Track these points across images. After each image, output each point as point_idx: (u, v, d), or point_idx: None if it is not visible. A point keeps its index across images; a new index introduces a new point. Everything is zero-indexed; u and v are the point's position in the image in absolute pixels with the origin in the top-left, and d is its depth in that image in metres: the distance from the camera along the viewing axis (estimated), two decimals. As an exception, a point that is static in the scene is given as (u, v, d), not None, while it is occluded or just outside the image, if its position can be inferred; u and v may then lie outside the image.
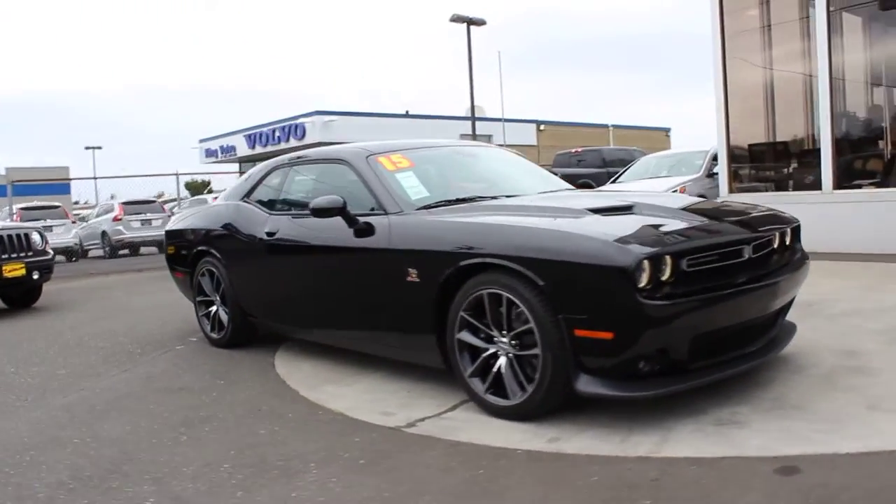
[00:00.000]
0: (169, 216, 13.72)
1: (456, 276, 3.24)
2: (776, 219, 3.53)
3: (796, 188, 8.02)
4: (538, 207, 3.46)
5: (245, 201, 4.90)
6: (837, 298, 5.00)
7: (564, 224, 3.07)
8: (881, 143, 7.53)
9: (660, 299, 2.75)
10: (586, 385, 2.87)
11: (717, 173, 9.61)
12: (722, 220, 3.31)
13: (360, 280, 3.82)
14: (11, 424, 3.63)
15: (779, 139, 8.75)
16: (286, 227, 4.37)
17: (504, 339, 3.14)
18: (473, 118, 23.52)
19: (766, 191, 8.39)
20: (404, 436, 3.08)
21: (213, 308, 5.13)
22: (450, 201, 3.76)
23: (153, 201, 17.80)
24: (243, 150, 34.69)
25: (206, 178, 34.71)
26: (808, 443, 2.64)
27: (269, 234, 4.44)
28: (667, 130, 42.16)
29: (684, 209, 3.46)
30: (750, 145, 8.76)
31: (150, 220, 16.50)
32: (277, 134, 33.60)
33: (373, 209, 3.84)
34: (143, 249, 16.84)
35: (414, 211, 3.67)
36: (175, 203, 17.09)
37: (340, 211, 3.78)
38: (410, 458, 2.82)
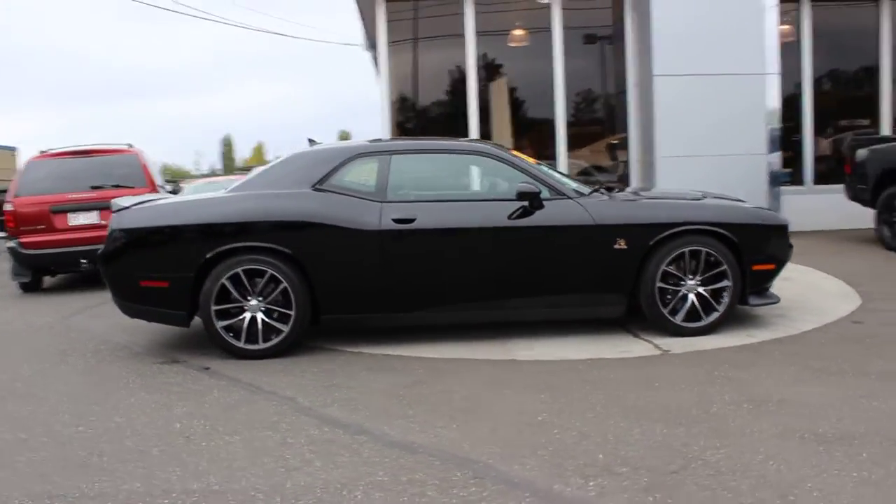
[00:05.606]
0: None
1: (661, 240, 4.50)
2: None
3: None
4: (679, 194, 5.05)
5: (321, 189, 4.49)
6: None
7: (740, 202, 4.95)
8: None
9: (788, 243, 4.82)
10: (755, 300, 4.66)
11: None
12: None
13: (549, 253, 4.49)
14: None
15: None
16: (428, 212, 4.46)
17: (692, 281, 4.59)
18: None
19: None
20: (684, 355, 4.19)
21: (246, 315, 4.43)
22: (594, 189, 4.84)
23: None
24: None
25: None
26: (829, 314, 5.00)
27: (402, 220, 4.39)
28: (12, 150, 36.36)
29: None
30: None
31: None
32: None
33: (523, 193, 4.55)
34: None
35: (587, 195, 4.64)
36: None
37: (535, 195, 4.41)
38: (735, 358, 4.08)
